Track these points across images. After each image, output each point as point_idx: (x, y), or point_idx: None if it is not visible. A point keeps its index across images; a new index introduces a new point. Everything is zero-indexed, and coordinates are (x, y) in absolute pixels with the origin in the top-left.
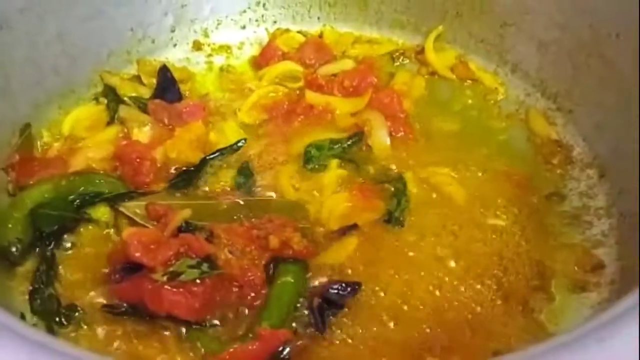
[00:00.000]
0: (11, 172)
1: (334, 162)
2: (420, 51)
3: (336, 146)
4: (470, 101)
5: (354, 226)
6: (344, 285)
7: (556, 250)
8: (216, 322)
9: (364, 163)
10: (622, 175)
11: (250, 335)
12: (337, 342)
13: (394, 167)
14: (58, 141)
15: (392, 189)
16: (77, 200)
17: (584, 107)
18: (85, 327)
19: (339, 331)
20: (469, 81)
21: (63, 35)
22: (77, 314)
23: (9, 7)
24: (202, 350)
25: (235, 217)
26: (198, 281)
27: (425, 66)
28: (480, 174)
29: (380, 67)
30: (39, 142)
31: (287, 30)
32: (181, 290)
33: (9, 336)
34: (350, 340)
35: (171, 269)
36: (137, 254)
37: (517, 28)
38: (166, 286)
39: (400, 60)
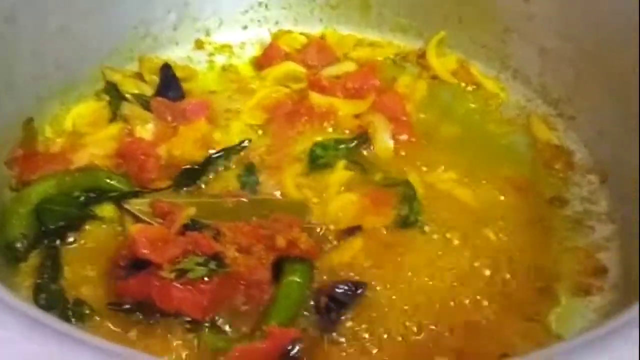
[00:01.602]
0: (14, 167)
1: (341, 163)
2: (422, 55)
3: (341, 146)
4: (471, 106)
5: (358, 227)
6: (350, 284)
7: (560, 254)
8: (223, 319)
9: (369, 165)
10: (624, 181)
11: (258, 333)
12: (345, 341)
13: (399, 169)
14: (60, 137)
15: (401, 193)
16: (82, 197)
17: (585, 113)
18: (91, 323)
19: (346, 330)
20: (471, 86)
21: (66, 30)
22: (83, 310)
23: (16, 1)
24: (210, 347)
25: (240, 216)
26: (206, 279)
27: (427, 70)
28: (482, 178)
29: (382, 70)
30: (41, 138)
31: (289, 31)
32: (189, 287)
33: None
34: (357, 340)
35: (179, 266)
36: (145, 251)
37: (519, 34)
38: (174, 283)
39: (402, 63)
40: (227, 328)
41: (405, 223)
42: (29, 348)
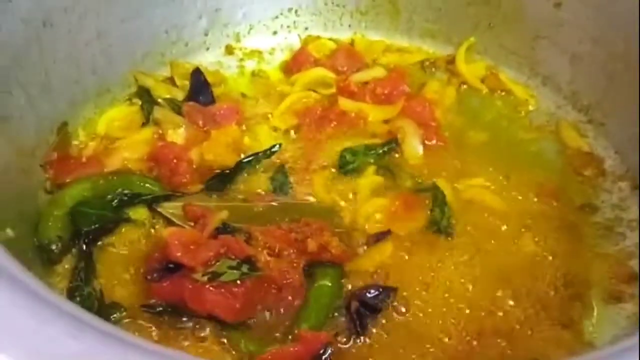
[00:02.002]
0: (49, 170)
1: (371, 169)
2: (451, 61)
3: (371, 152)
4: (500, 112)
5: (388, 232)
6: (381, 289)
7: (591, 261)
8: (255, 323)
9: (399, 171)
10: None
11: (290, 337)
12: (377, 345)
13: (428, 175)
14: (94, 140)
15: (431, 198)
16: (115, 200)
17: (616, 119)
18: (125, 325)
19: (377, 335)
20: (500, 92)
21: (102, 35)
22: (116, 312)
23: (54, 6)
24: (243, 350)
25: (270, 220)
26: (238, 282)
27: (456, 76)
28: (512, 184)
29: (411, 76)
30: (75, 141)
31: (318, 37)
32: (222, 290)
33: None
34: (388, 344)
35: (212, 269)
36: (178, 254)
37: (550, 41)
38: (207, 286)
39: (431, 69)
40: (259, 331)
41: (437, 227)
42: (75, 348)
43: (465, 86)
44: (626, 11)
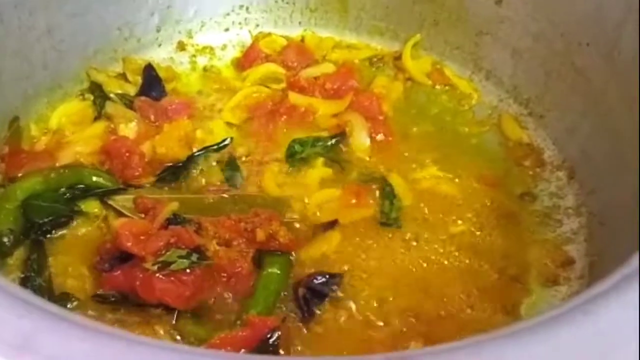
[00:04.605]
0: (0, 164)
1: (320, 161)
2: (398, 57)
3: (319, 143)
4: (445, 106)
5: (335, 222)
6: (327, 276)
7: (530, 246)
8: (204, 310)
9: (347, 163)
10: (590, 177)
11: (239, 322)
12: (323, 329)
13: (375, 167)
14: (46, 135)
15: (378, 190)
16: (68, 194)
17: (554, 112)
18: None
19: (324, 319)
20: (445, 86)
21: (53, 30)
22: (68, 302)
23: (4, 2)
24: (192, 337)
25: (221, 211)
26: (188, 271)
27: (403, 72)
28: (456, 175)
29: (360, 72)
30: (26, 136)
31: (269, 34)
32: (172, 279)
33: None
34: (335, 328)
35: (162, 258)
36: (129, 244)
37: (492, 37)
38: (157, 275)
39: (379, 65)
40: (209, 318)
41: (386, 219)
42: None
43: (411, 81)
44: (564, 9)
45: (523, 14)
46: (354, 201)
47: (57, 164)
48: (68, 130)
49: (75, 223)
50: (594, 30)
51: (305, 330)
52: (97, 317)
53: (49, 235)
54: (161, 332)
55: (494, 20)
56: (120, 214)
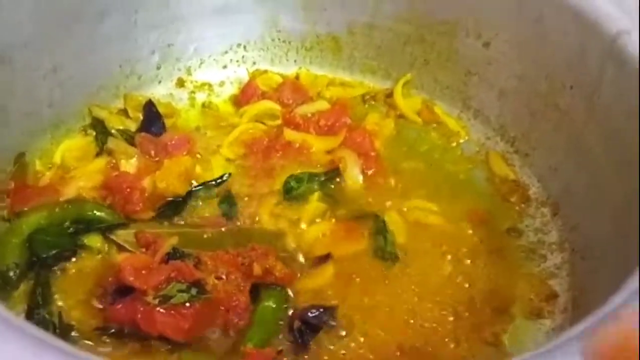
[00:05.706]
0: (6, 199)
1: (315, 196)
2: (390, 95)
3: (315, 179)
4: (435, 143)
5: (329, 255)
6: (322, 309)
7: (516, 280)
8: (203, 342)
9: (340, 198)
10: (573, 213)
11: (236, 354)
12: None
13: (368, 202)
14: (50, 170)
15: (372, 225)
16: (71, 228)
17: (539, 150)
18: (79, 347)
19: (318, 352)
20: (434, 124)
21: (58, 69)
22: (71, 334)
23: (14, 42)
24: None
25: (219, 245)
26: (187, 304)
27: (394, 109)
28: (445, 210)
29: (353, 109)
30: (31, 171)
31: (266, 71)
32: (172, 312)
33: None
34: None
35: (162, 292)
36: (131, 278)
37: (480, 77)
38: (158, 308)
39: (371, 102)
40: (207, 350)
41: (382, 253)
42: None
43: (402, 119)
44: (548, 52)
45: (510, 56)
46: (346, 236)
47: (61, 199)
48: (71, 166)
49: (78, 257)
50: (576, 73)
51: None
52: (99, 349)
53: (53, 269)
54: None
55: (482, 61)
56: (122, 248)
